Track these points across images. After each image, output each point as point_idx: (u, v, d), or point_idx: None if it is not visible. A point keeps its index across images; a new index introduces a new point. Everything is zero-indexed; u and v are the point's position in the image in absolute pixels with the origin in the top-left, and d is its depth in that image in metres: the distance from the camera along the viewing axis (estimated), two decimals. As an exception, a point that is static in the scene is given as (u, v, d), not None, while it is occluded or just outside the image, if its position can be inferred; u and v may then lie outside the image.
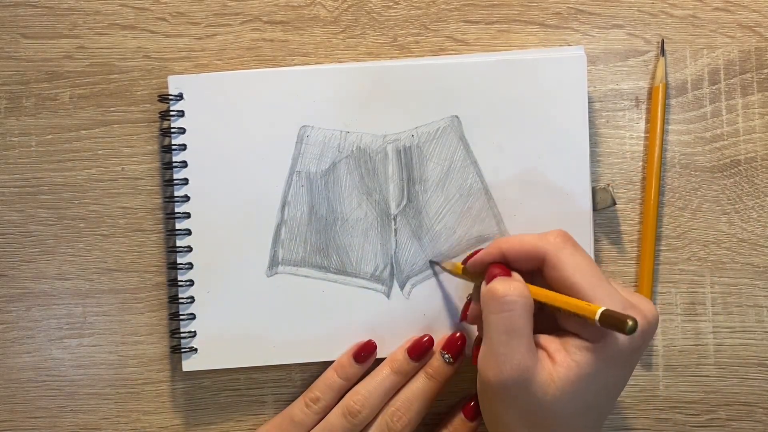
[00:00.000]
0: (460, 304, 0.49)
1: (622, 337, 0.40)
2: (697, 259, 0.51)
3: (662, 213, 0.51)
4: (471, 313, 0.47)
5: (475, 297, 0.47)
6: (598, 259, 0.50)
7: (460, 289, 0.50)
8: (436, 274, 0.50)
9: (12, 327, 0.51)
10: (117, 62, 0.51)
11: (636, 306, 0.41)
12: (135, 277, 0.51)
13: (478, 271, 0.45)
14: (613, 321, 0.38)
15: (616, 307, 0.40)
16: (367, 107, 0.50)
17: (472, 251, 0.47)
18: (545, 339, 0.42)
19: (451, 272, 0.48)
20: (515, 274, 0.43)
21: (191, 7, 0.51)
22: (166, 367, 0.51)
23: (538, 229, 0.49)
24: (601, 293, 0.41)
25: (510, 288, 0.41)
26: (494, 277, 0.43)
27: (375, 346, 0.49)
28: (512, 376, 0.40)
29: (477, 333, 0.48)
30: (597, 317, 0.39)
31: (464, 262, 0.47)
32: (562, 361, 0.41)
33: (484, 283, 0.43)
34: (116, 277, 0.51)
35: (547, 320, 0.43)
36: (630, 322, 0.37)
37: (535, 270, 0.44)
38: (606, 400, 0.43)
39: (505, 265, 0.44)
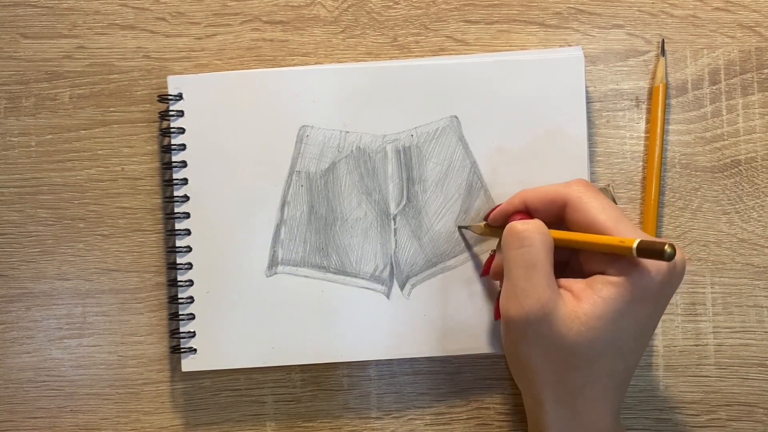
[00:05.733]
0: (460, 304, 0.49)
1: (651, 272, 0.40)
2: (698, 259, 0.51)
3: (662, 213, 0.51)
4: (494, 267, 0.47)
5: (498, 250, 0.47)
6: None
7: (460, 288, 0.49)
8: (437, 274, 0.50)
9: (12, 327, 0.51)
10: (117, 62, 0.51)
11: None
12: (135, 277, 0.51)
13: (501, 224, 0.46)
14: (651, 249, 0.38)
15: (641, 236, 0.40)
16: (367, 107, 0.50)
17: (494, 206, 0.47)
18: (569, 281, 0.43)
19: (477, 232, 0.49)
20: (536, 219, 0.44)
21: (191, 7, 0.51)
22: (165, 367, 0.51)
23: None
24: (625, 230, 0.41)
25: (528, 225, 0.42)
26: (516, 217, 0.45)
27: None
28: (533, 310, 0.41)
29: (498, 289, 0.48)
30: (635, 246, 0.39)
31: (486, 218, 0.48)
32: (587, 297, 0.41)
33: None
34: (116, 277, 0.51)
35: (573, 273, 0.44)
36: (668, 248, 0.37)
37: (557, 220, 0.44)
38: (634, 342, 0.43)
39: (528, 214, 0.45)
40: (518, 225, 0.43)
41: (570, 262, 0.46)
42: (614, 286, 0.41)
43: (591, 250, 0.42)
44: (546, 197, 0.44)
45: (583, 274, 0.43)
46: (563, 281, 0.43)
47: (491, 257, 0.48)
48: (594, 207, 0.42)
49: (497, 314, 0.48)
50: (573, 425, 0.43)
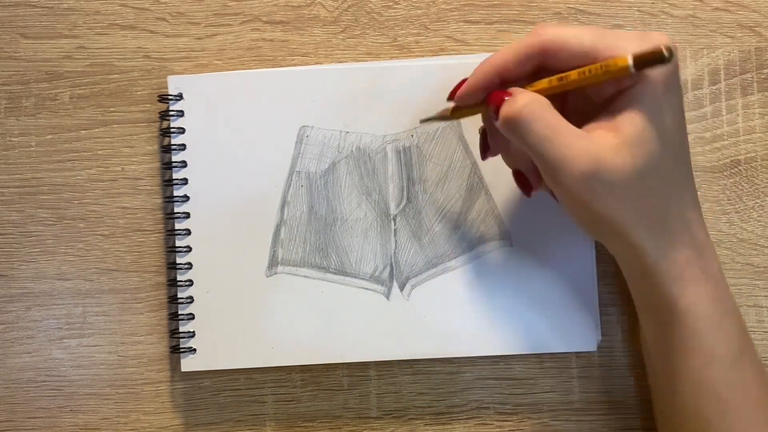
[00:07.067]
0: (460, 306, 0.49)
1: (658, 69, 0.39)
2: (697, 259, 0.51)
3: (662, 213, 0.51)
4: (494, 147, 0.45)
5: (488, 126, 0.44)
6: (600, 262, 0.50)
7: (461, 289, 0.49)
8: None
9: (12, 327, 0.51)
10: (117, 62, 0.51)
11: (648, 36, 0.39)
12: (135, 277, 0.51)
13: (476, 102, 0.43)
14: (647, 58, 0.37)
15: (633, 44, 0.38)
16: (367, 107, 0.50)
17: (455, 85, 0.44)
18: (592, 124, 0.40)
19: (443, 119, 0.46)
20: (513, 89, 0.41)
21: (191, 7, 0.51)
22: (165, 367, 0.51)
23: (539, 229, 0.49)
24: (611, 40, 0.39)
25: (519, 103, 0.39)
26: (498, 99, 0.40)
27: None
28: (589, 164, 0.38)
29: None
30: (630, 63, 0.37)
31: (450, 98, 0.44)
32: (623, 122, 0.39)
33: (491, 111, 0.41)
34: (116, 277, 0.51)
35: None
36: (665, 50, 0.36)
37: (533, 78, 0.42)
38: (679, 132, 0.41)
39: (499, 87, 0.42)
40: (510, 110, 0.39)
41: (563, 109, 0.42)
42: (636, 94, 0.39)
43: (586, 85, 0.40)
44: (521, 55, 0.40)
45: (583, 114, 0.41)
46: (588, 126, 0.40)
47: (484, 135, 0.45)
48: (572, 37, 0.40)
49: (485, 152, 0.45)
50: (676, 247, 0.41)
